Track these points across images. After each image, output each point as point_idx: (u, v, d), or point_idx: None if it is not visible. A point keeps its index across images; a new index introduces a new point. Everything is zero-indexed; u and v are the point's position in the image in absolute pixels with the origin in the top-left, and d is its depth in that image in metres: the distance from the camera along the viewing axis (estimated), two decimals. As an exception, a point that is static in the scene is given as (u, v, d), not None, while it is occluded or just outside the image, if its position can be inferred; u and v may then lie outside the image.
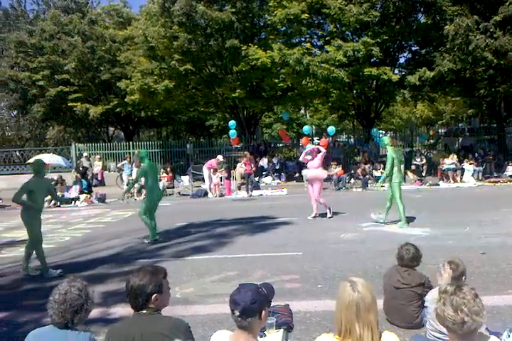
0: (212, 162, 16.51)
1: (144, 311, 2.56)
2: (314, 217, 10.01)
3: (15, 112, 34.27)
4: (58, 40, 24.90)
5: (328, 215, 10.02)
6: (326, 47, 18.44)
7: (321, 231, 8.65)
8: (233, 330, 2.53)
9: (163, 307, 2.66)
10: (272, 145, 25.00)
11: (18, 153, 23.36)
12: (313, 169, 9.92)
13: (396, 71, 20.84)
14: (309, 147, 10.66)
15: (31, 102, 27.65)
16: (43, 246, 8.63)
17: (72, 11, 28.60)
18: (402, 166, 9.30)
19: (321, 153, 9.97)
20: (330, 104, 23.53)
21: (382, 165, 16.77)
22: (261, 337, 3.22)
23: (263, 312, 2.40)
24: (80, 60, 23.98)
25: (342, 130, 29.79)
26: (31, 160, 18.40)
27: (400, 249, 4.41)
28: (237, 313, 2.33)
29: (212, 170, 16.18)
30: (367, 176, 16.20)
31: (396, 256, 4.44)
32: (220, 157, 16.95)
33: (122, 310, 4.92)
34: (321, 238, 8.10)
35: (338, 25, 19.11)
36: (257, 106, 20.62)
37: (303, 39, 20.41)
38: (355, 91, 21.40)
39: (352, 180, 16.56)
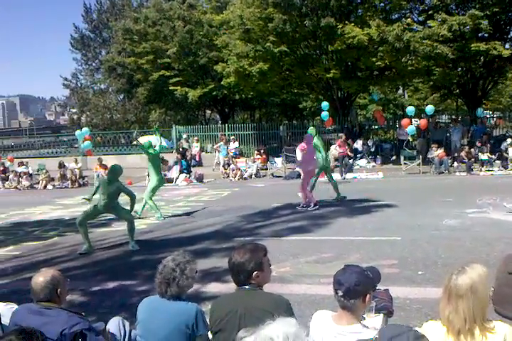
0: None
1: (247, 286, 2.63)
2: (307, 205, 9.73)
3: (121, 96, 36.69)
4: (160, 26, 26.06)
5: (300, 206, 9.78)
6: (428, 22, 17.30)
7: (421, 217, 8.30)
8: (335, 311, 2.54)
9: (264, 284, 2.72)
10: (367, 127, 24.24)
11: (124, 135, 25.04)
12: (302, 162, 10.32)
13: (507, 46, 19.02)
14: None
15: (136, 86, 29.40)
16: (149, 221, 9.34)
17: (173, -3, 29.65)
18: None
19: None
20: (432, 82, 22.18)
21: (489, 147, 15.60)
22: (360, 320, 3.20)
23: (367, 295, 2.37)
24: (180, 44, 24.93)
25: (444, 110, 27.97)
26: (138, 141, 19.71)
27: None
28: (340, 293, 2.33)
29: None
30: (472, 160, 15.14)
31: None
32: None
33: (220, 285, 5.14)
34: (421, 223, 7.78)
35: (442, -2, 17.80)
36: (352, 86, 20.01)
37: (402, 14, 19.33)
38: (460, 69, 19.94)
39: (455, 164, 15.56)
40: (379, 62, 17.94)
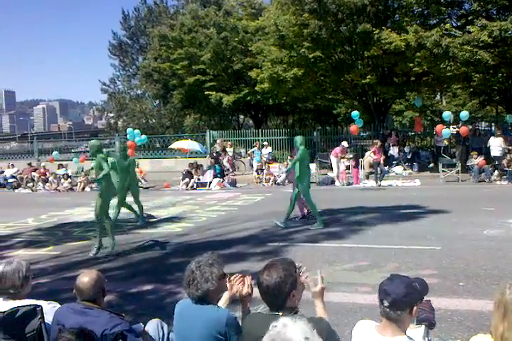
0: (337, 149, 16.32)
1: (281, 313, 2.40)
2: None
3: (157, 101, 37.38)
4: (196, 33, 26.45)
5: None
6: (468, 27, 16.91)
7: (461, 226, 8.06)
8: (375, 320, 2.47)
9: (297, 302, 2.54)
10: (402, 133, 23.84)
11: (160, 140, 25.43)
12: None
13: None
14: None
15: (171, 92, 29.89)
16: (185, 224, 9.43)
17: (209, 4, 30.08)
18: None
19: None
20: (471, 89, 21.66)
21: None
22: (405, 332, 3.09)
23: (414, 307, 2.28)
24: (215, 51, 25.23)
25: (483, 117, 27.22)
26: (172, 146, 20.08)
27: None
28: (386, 304, 2.25)
29: (339, 157, 16.00)
30: (512, 168, 14.62)
31: None
32: (344, 143, 16.66)
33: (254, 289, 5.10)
34: (461, 233, 7.55)
35: (482, 3, 17.37)
36: (388, 92, 19.78)
37: (440, 20, 18.95)
38: (500, 75, 19.39)
39: (496, 172, 15.06)
40: (416, 68, 17.66)
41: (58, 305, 3.10)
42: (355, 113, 16.80)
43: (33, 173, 19.31)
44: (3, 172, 20.75)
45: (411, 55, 17.37)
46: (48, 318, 2.93)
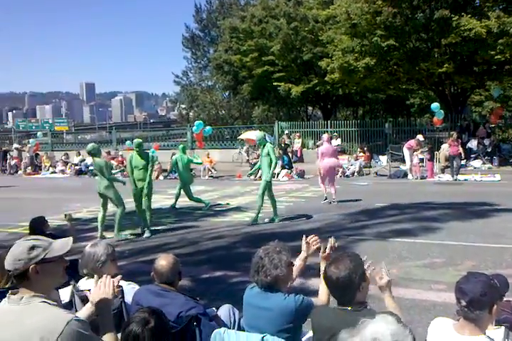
0: (412, 142, 15.74)
1: (349, 308, 2.36)
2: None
3: (227, 93, 37.95)
4: (266, 23, 26.47)
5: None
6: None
7: (546, 225, 7.53)
8: (452, 318, 2.38)
9: (365, 296, 2.49)
10: (487, 125, 22.49)
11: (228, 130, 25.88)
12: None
13: None
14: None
15: (241, 83, 30.20)
16: (252, 214, 9.53)
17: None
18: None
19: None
20: (560, 78, 20.01)
21: None
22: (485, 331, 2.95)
23: (494, 306, 2.17)
24: (285, 41, 25.12)
25: None
26: (241, 136, 20.34)
27: None
28: (463, 303, 2.17)
29: (412, 150, 15.44)
30: None
31: None
32: (419, 137, 16.02)
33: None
34: (546, 232, 7.06)
35: None
36: (467, 82, 18.77)
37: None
38: None
39: None
40: (498, 56, 16.61)
41: (137, 286, 3.25)
42: (435, 105, 16.12)
43: (112, 161, 20.34)
44: (84, 160, 22.07)
45: (492, 42, 16.37)
46: (128, 298, 3.06)
